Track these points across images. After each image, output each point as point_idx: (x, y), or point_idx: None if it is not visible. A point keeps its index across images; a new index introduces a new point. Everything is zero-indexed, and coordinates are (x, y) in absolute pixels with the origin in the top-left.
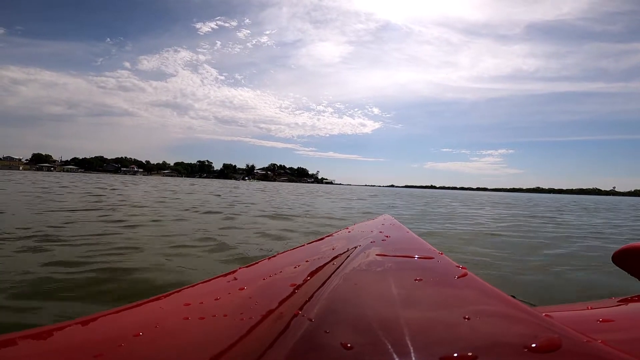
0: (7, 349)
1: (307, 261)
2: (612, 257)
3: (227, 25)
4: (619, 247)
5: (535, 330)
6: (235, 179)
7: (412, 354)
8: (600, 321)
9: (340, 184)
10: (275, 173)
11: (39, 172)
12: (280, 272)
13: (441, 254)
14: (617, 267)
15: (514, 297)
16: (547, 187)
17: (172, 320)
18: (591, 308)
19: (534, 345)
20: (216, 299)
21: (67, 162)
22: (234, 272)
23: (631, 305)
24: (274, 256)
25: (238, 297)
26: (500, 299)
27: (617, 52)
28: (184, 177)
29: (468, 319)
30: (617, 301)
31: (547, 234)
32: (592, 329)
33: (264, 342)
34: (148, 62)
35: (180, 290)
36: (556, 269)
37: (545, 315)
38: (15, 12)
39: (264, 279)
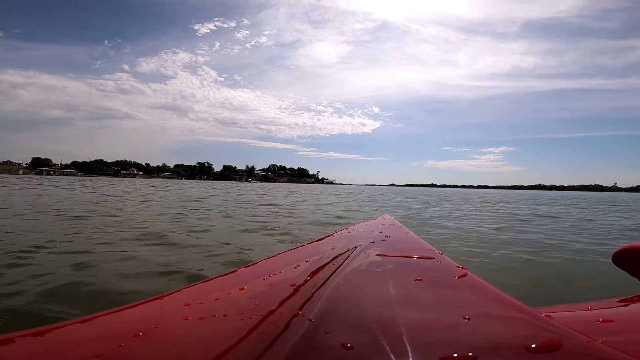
0: (7, 349)
1: (307, 261)
2: (612, 257)
3: (225, 26)
4: (618, 247)
5: (535, 330)
6: (236, 180)
7: (412, 354)
8: (600, 321)
9: (340, 183)
10: (276, 174)
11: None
12: (280, 272)
13: (441, 254)
14: (617, 268)
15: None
16: (548, 184)
17: (172, 320)
18: (591, 308)
19: (534, 345)
20: (216, 299)
21: (67, 166)
22: (234, 272)
23: (631, 305)
24: (274, 256)
25: (238, 297)
26: (500, 299)
27: (615, 49)
28: (184, 179)
29: (468, 319)
30: (617, 301)
31: None
32: (592, 329)
33: (264, 342)
34: (147, 65)
35: (180, 290)
36: None
37: (545, 315)
38: (12, 15)
39: (264, 279)
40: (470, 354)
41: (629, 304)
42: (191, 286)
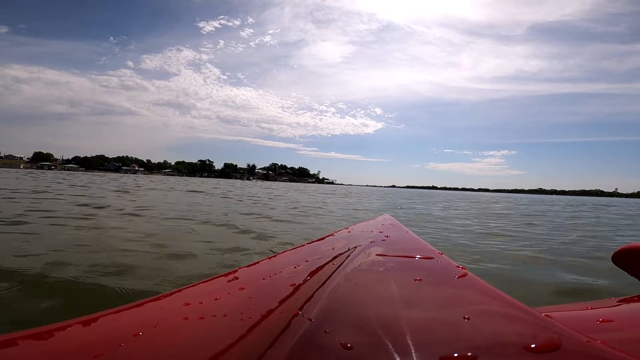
0: (7, 349)
1: (307, 261)
2: (612, 257)
3: (230, 24)
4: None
5: (535, 330)
6: (236, 178)
7: (412, 354)
8: (600, 321)
9: (341, 184)
10: (277, 173)
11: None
12: (280, 272)
13: (441, 254)
14: (617, 267)
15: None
16: (549, 189)
17: (172, 320)
18: (591, 308)
19: (533, 345)
20: (216, 299)
21: (68, 161)
22: (234, 272)
23: (631, 305)
24: (274, 256)
25: (238, 297)
26: (500, 299)
27: (620, 53)
28: (185, 176)
29: (468, 319)
30: (617, 301)
31: None
32: (592, 329)
33: (264, 342)
34: (151, 61)
35: (180, 290)
36: None
37: (545, 315)
38: (18, 11)
39: (264, 279)
40: (470, 353)
41: (628, 304)
42: (191, 286)
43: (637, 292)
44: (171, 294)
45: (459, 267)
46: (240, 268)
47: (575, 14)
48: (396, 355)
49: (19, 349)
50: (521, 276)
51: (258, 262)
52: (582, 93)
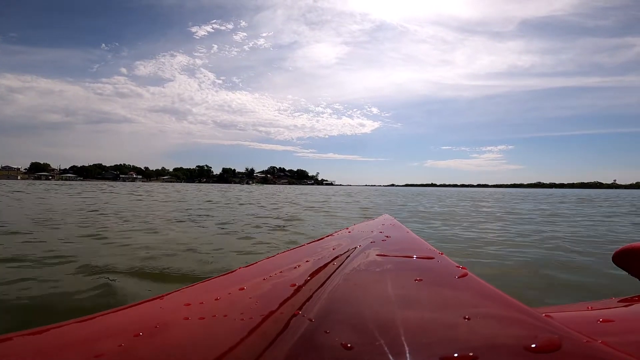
0: (6, 349)
1: (307, 261)
2: (612, 257)
3: (223, 28)
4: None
5: (535, 330)
6: (235, 183)
7: (413, 354)
8: (600, 321)
9: (340, 184)
10: (275, 176)
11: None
12: (280, 272)
13: (441, 254)
14: (617, 267)
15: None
16: (548, 182)
17: (172, 320)
18: (591, 308)
19: (534, 345)
20: (216, 299)
21: (65, 171)
22: (234, 272)
23: (631, 305)
24: (274, 256)
25: (238, 297)
26: (500, 300)
27: (611, 47)
28: (183, 182)
29: (468, 319)
30: (617, 301)
31: None
32: (592, 330)
33: (264, 342)
34: (144, 68)
35: (180, 290)
36: None
37: (545, 315)
38: (8, 19)
39: (264, 279)
40: (470, 354)
41: (629, 304)
42: (191, 286)
43: (637, 292)
44: (171, 294)
45: (459, 267)
46: (240, 268)
47: (564, 9)
48: (396, 356)
49: (18, 349)
50: None
51: (258, 262)
52: (575, 87)
